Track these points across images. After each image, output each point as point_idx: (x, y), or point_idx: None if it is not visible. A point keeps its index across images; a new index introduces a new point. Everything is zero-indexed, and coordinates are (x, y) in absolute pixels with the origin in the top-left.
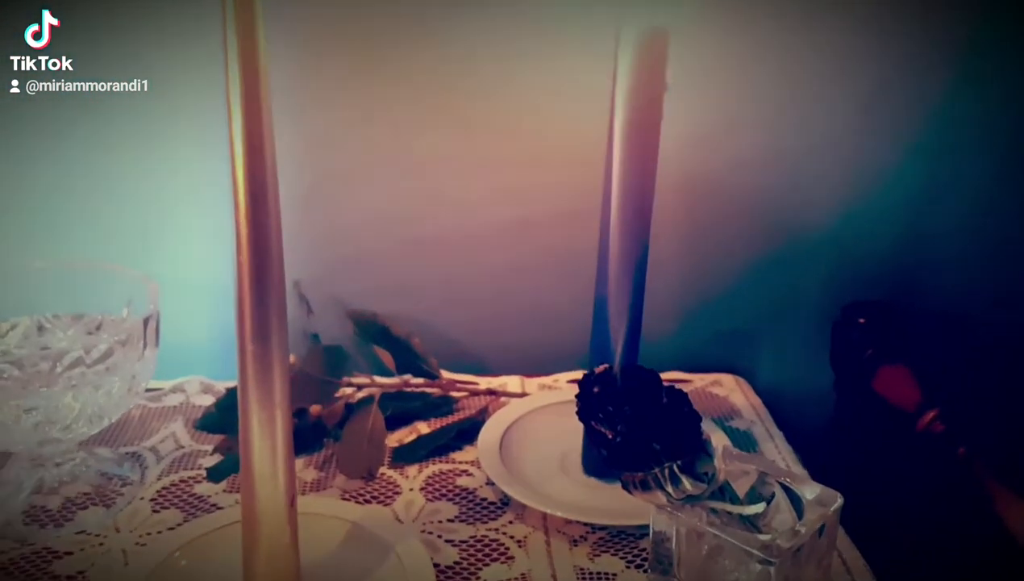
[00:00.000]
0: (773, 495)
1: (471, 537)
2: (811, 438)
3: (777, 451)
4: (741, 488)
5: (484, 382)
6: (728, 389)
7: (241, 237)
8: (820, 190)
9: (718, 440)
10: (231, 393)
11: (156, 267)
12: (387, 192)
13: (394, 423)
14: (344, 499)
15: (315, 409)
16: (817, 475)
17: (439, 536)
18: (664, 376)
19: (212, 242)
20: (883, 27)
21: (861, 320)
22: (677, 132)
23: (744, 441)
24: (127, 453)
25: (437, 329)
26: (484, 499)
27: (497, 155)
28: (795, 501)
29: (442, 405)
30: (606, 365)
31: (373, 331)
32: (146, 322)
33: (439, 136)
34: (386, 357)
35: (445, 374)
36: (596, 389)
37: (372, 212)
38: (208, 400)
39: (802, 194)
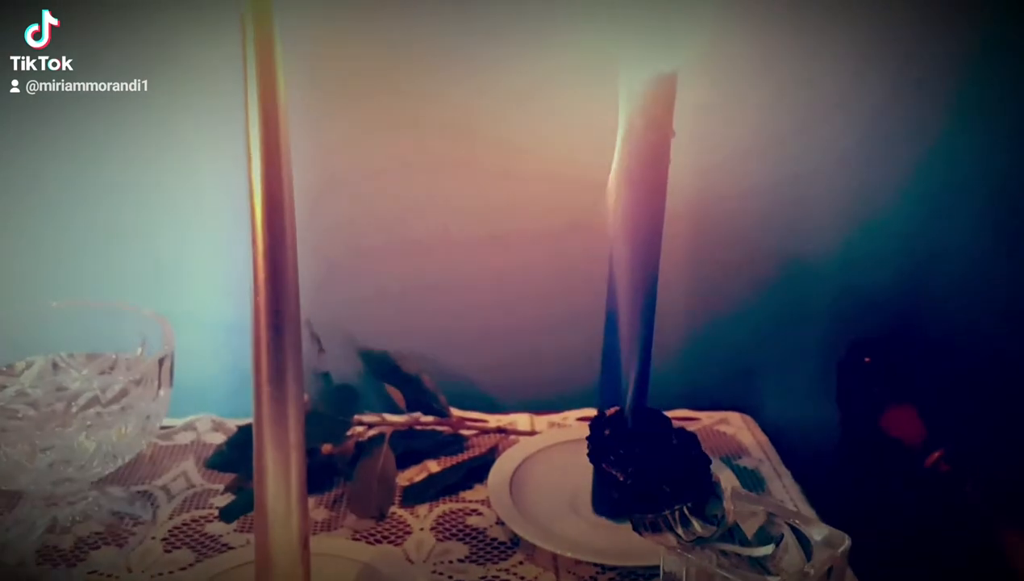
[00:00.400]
0: (782, 536)
1: (481, 578)
2: (818, 476)
3: (784, 490)
4: (750, 529)
5: (493, 420)
6: (736, 427)
7: (259, 280)
8: (822, 225)
9: (727, 480)
10: (242, 431)
11: (165, 305)
12: (395, 231)
13: (404, 461)
14: (355, 539)
15: (326, 448)
16: (824, 513)
17: (450, 577)
18: (672, 414)
19: (221, 278)
20: (884, 57)
21: (867, 359)
22: (682, 169)
23: (752, 480)
24: (139, 492)
25: (446, 366)
26: (495, 539)
27: (504, 195)
28: (803, 542)
29: (452, 443)
30: (616, 408)
31: (384, 369)
32: (161, 362)
33: (447, 179)
34: (396, 395)
35: (455, 412)
36: (607, 431)
37: (380, 251)
38: (219, 438)
39: (805, 231)
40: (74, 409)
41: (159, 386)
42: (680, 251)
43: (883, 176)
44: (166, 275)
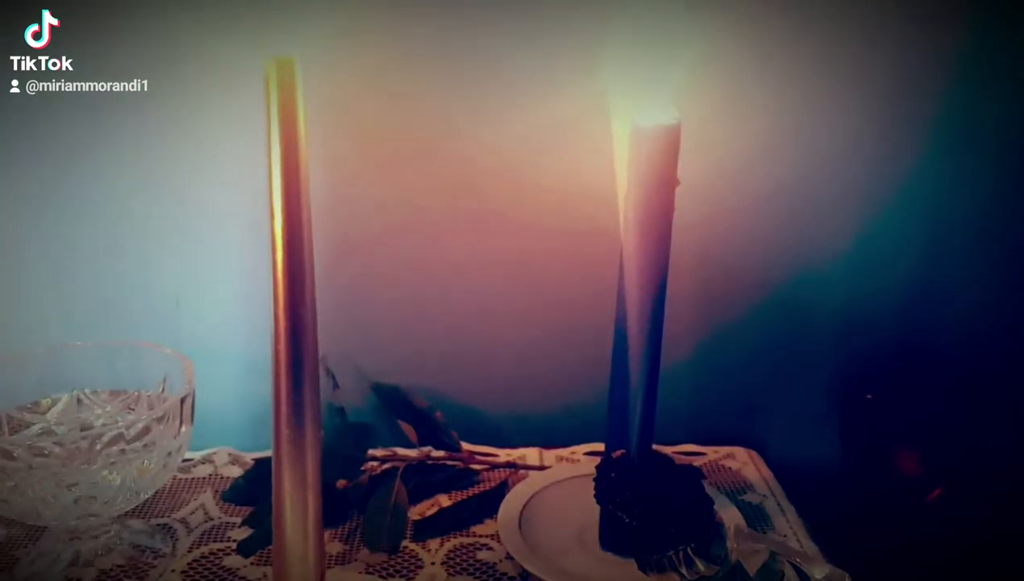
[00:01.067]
0: (783, 574)
1: None
2: (822, 510)
3: (788, 525)
4: (752, 567)
5: (504, 454)
6: (741, 462)
7: (279, 327)
8: (825, 258)
9: (731, 517)
10: (259, 464)
11: (183, 339)
12: (406, 265)
13: (416, 496)
14: (368, 572)
15: (341, 483)
16: (827, 548)
17: None
18: (679, 449)
19: (238, 313)
20: (877, 91)
21: (868, 396)
22: (685, 210)
23: (756, 515)
24: (159, 525)
25: (456, 400)
26: (504, 573)
27: (516, 236)
28: (805, 580)
29: (463, 477)
30: (622, 451)
31: (396, 404)
32: (183, 401)
33: (457, 212)
34: (409, 431)
35: (465, 446)
36: (613, 474)
37: (392, 286)
38: (236, 471)
39: (809, 265)
40: (99, 446)
41: (181, 423)
42: (686, 287)
43: (884, 210)
44: (185, 310)
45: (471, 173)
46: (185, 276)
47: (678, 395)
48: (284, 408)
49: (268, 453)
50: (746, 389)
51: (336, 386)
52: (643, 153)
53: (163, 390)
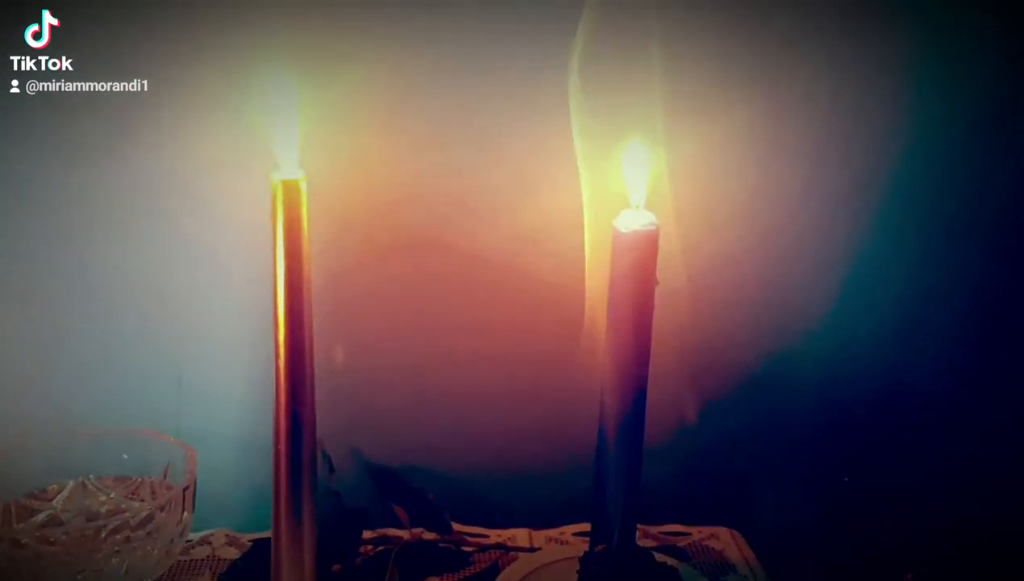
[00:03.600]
0: None
1: None
2: None
3: None
4: None
5: (494, 535)
6: (724, 543)
7: (280, 428)
8: (801, 343)
9: None
10: (256, 546)
11: (183, 420)
12: (400, 350)
13: (408, 578)
14: None
15: (336, 568)
16: None
17: None
18: (664, 529)
19: (237, 395)
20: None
21: (845, 479)
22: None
23: None
24: None
25: (448, 480)
26: None
27: (503, 316)
28: None
29: (454, 558)
30: (603, 545)
31: (391, 486)
32: (185, 491)
33: (451, 300)
34: (401, 514)
35: (456, 526)
36: (595, 569)
37: (385, 367)
38: (233, 553)
39: (791, 348)
40: (104, 534)
41: (183, 511)
42: (669, 368)
43: (863, 293)
44: (187, 391)
45: (460, 266)
46: (188, 356)
47: (662, 475)
48: (283, 504)
49: (265, 534)
50: (729, 467)
51: (332, 470)
52: (623, 256)
53: (166, 476)
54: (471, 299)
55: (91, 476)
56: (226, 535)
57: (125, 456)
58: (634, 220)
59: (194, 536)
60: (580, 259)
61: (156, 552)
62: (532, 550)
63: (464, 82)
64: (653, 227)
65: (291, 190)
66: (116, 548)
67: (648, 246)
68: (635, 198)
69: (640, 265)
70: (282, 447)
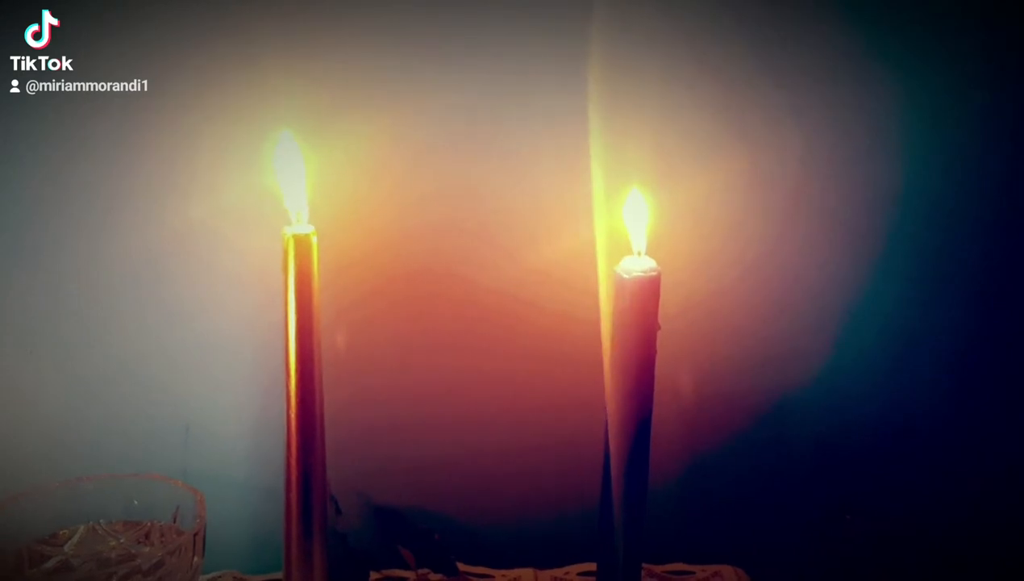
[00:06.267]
0: None
1: None
2: None
3: None
4: None
5: (499, 575)
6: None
7: (292, 477)
8: (804, 386)
9: None
10: None
11: (190, 463)
12: (406, 391)
13: None
14: None
15: None
16: None
17: None
18: (668, 568)
19: (245, 438)
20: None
21: (848, 516)
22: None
23: None
24: None
25: (452, 521)
26: None
27: (506, 369)
28: None
29: None
30: None
31: (397, 527)
32: (195, 536)
33: (456, 348)
34: (408, 556)
35: (462, 567)
36: None
37: (391, 415)
38: None
39: (791, 388)
40: (114, 580)
41: (193, 555)
42: (673, 410)
43: (861, 333)
44: (194, 436)
45: (463, 313)
46: (194, 401)
47: (666, 514)
48: (294, 552)
49: (275, 575)
50: (732, 505)
51: (339, 511)
52: (625, 301)
53: (175, 520)
54: (473, 348)
55: (101, 521)
56: (234, 576)
57: (135, 501)
58: (636, 265)
59: (203, 578)
60: (578, 303)
61: None
62: None
63: (470, 146)
64: (655, 273)
65: (302, 244)
66: None
67: (650, 291)
68: (636, 244)
69: (642, 310)
70: (293, 496)
